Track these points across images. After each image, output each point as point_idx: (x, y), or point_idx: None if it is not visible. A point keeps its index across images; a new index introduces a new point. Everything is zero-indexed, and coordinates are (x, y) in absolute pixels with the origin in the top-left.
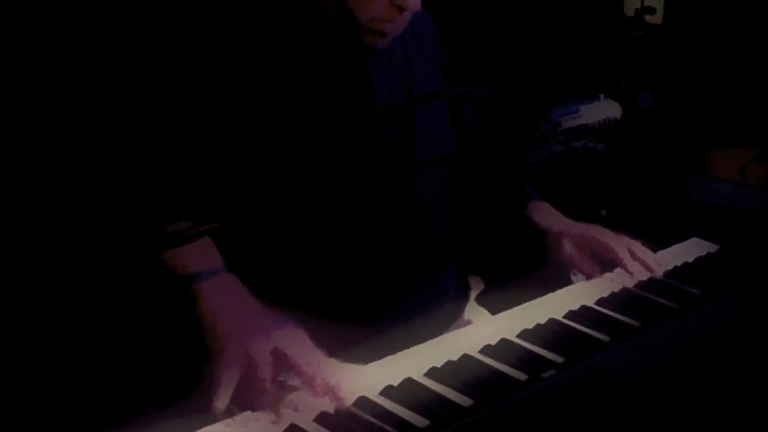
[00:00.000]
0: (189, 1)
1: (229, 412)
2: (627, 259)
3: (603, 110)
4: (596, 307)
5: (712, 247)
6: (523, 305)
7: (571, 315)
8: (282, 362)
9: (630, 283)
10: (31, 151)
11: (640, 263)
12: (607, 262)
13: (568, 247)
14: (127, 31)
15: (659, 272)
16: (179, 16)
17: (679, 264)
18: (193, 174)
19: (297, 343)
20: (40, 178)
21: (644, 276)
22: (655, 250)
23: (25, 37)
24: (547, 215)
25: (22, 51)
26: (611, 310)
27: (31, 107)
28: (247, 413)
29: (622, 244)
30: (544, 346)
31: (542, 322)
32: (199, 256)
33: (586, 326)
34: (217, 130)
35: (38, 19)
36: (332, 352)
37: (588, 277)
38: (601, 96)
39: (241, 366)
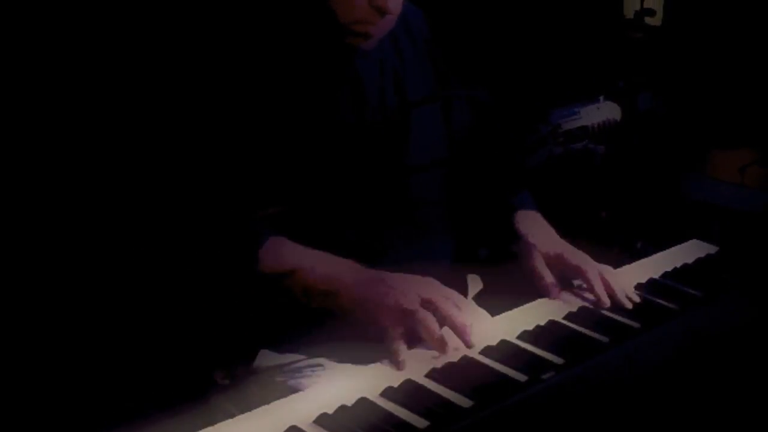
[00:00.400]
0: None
1: (228, 413)
2: (597, 284)
3: (603, 112)
4: (596, 308)
5: (711, 249)
6: (523, 306)
7: (570, 316)
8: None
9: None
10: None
11: (608, 290)
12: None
13: (536, 261)
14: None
15: (626, 303)
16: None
17: (678, 265)
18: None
19: (434, 286)
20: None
21: (610, 301)
22: (655, 252)
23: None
24: (529, 224)
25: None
26: (610, 311)
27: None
28: (247, 414)
29: (593, 268)
30: (543, 348)
31: (542, 323)
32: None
33: (585, 327)
34: (236, 138)
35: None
36: (334, 351)
37: (544, 295)
38: (601, 98)
39: (400, 321)
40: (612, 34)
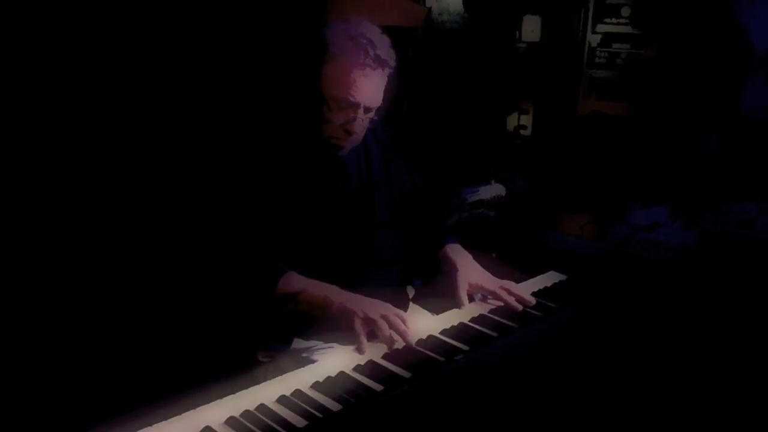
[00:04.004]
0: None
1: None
2: (507, 298)
3: (493, 190)
4: (489, 314)
5: (562, 277)
6: (443, 314)
7: (473, 320)
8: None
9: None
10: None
11: (515, 297)
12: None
13: (458, 286)
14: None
15: (531, 301)
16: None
17: (541, 288)
18: (255, 235)
19: (388, 307)
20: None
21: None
22: (525, 279)
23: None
24: (456, 253)
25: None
26: (499, 316)
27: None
28: (269, 381)
29: (503, 291)
30: (456, 339)
31: (455, 324)
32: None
33: (482, 327)
34: (264, 210)
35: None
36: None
37: (457, 307)
38: (492, 181)
39: (366, 325)
40: (499, 142)
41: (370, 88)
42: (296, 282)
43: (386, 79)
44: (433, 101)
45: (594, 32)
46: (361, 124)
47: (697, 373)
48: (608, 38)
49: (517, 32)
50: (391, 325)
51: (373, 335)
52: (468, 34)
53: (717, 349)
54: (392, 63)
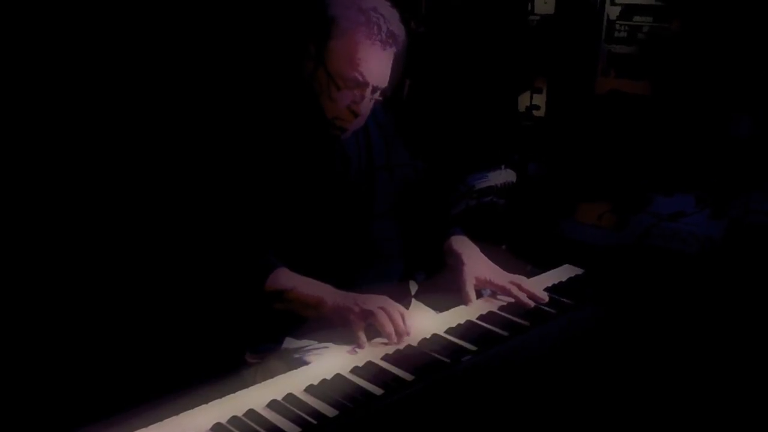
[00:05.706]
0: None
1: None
2: (518, 294)
3: (504, 176)
4: (499, 312)
5: (578, 271)
6: (448, 311)
7: (481, 317)
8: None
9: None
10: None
11: (526, 293)
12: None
13: (465, 280)
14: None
15: (543, 297)
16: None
17: (555, 282)
18: (246, 221)
19: (387, 300)
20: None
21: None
22: (538, 273)
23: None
24: (462, 246)
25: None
26: (509, 314)
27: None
28: (258, 384)
29: (514, 286)
30: (463, 339)
31: (462, 322)
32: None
33: (492, 325)
34: (255, 196)
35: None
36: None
37: (463, 303)
38: (503, 166)
39: (363, 320)
40: (510, 123)
41: (380, 66)
42: (286, 279)
43: (393, 57)
44: (437, 79)
45: (613, 4)
46: (368, 105)
47: (722, 375)
48: (629, 10)
49: (529, 4)
50: (391, 320)
51: (371, 333)
52: (475, 5)
53: (745, 349)
54: (402, 39)
